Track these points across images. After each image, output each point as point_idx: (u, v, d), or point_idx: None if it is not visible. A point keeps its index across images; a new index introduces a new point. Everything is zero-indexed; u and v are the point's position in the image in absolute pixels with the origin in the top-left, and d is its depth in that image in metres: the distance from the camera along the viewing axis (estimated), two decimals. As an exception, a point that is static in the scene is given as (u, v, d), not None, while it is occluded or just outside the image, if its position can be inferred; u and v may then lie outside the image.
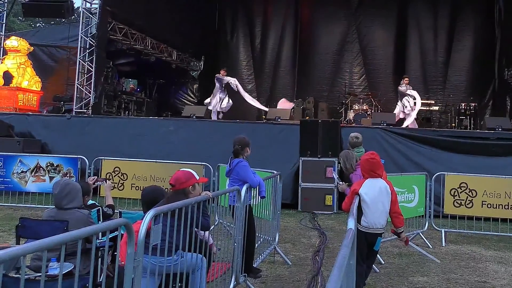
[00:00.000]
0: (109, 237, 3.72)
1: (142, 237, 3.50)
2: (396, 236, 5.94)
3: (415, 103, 17.03)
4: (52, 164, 11.52)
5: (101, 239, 4.57)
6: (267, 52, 23.20)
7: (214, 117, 17.35)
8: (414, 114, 16.95)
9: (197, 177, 4.99)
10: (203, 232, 4.97)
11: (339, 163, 11.36)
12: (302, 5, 23.04)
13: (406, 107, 17.03)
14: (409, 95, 17.05)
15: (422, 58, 21.44)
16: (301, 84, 22.62)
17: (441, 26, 21.40)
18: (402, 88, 17.29)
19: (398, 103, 17.69)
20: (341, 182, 6.61)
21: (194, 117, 15.64)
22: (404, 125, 16.53)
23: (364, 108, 19.42)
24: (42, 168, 11.49)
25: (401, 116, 17.00)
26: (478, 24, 21.02)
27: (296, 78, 22.69)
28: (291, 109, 19.23)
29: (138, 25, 18.04)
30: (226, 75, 17.91)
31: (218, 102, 17.61)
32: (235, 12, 23.65)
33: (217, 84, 17.76)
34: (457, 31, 21.24)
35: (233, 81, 17.78)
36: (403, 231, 5.75)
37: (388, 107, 19.77)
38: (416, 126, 16.80)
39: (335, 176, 7.39)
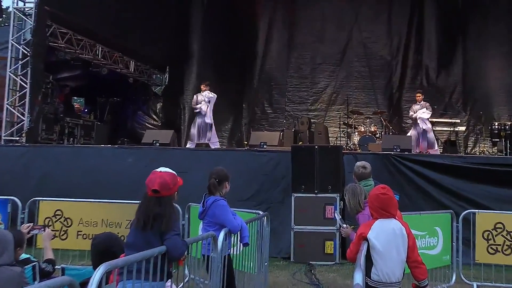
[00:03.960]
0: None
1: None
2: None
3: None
4: (-27, 208, 11.36)
5: (38, 304, 4.50)
6: (250, 63, 23.40)
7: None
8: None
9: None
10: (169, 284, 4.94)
11: (341, 200, 11.43)
12: (293, 6, 23.27)
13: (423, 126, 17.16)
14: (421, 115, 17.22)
15: (441, 67, 21.65)
16: (292, 100, 22.78)
17: (462, 28, 21.63)
18: (415, 107, 17.41)
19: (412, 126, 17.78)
20: (344, 225, 6.60)
21: (157, 144, 15.57)
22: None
23: (372, 130, 19.54)
24: (-40, 213, 11.31)
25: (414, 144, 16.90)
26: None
27: (286, 93, 22.84)
28: (280, 132, 19.30)
29: (85, 29, 17.98)
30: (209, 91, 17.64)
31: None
32: (210, 14, 23.65)
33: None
34: (486, 33, 21.37)
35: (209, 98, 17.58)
36: (427, 284, 5.66)
37: (402, 128, 19.92)
38: (438, 151, 16.90)
39: (337, 216, 7.36)
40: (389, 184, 6.60)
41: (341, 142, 20.35)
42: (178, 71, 23.55)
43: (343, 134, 20.70)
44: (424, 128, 16.96)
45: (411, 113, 17.50)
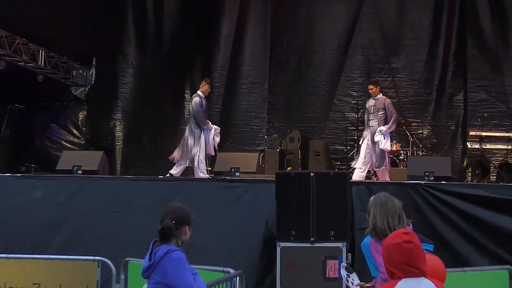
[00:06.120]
0: None
1: None
2: None
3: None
4: None
5: None
6: (215, 54, 23.36)
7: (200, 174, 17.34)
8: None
9: None
10: None
11: (349, 252, 11.48)
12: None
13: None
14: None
15: (493, 59, 21.56)
16: (276, 107, 22.85)
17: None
18: (369, 102, 17.78)
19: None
20: (356, 282, 6.64)
21: (80, 172, 15.58)
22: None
23: (394, 149, 19.59)
24: None
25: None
26: None
27: (268, 98, 22.86)
28: (260, 153, 19.31)
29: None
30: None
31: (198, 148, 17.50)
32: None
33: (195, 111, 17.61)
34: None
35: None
36: None
37: (440, 147, 20.04)
38: (386, 173, 17.04)
39: (343, 273, 7.37)
40: (418, 227, 6.66)
41: (349, 167, 20.42)
42: (109, 64, 23.42)
43: (352, 155, 20.74)
44: (375, 138, 17.20)
45: (365, 117, 17.92)
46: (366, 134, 17.38)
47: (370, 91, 17.69)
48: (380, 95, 17.47)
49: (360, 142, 17.74)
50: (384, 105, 17.25)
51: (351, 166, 17.54)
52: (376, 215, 6.69)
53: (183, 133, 17.84)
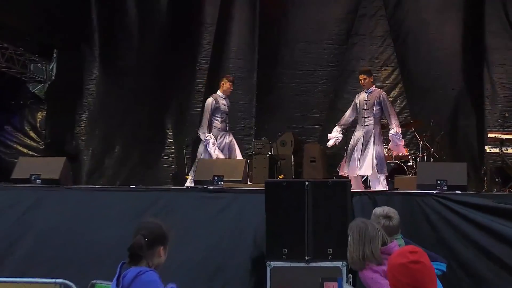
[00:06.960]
0: None
1: None
2: None
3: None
4: None
5: None
6: (198, 46, 23.26)
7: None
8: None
9: None
10: None
11: (350, 273, 11.48)
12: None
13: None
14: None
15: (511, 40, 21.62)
16: (266, 106, 22.85)
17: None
18: (361, 96, 17.72)
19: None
20: None
21: (38, 181, 15.54)
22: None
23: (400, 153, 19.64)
24: None
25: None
26: None
27: (256, 95, 22.84)
28: (247, 159, 19.31)
29: None
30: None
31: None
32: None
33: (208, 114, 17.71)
34: None
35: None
36: None
37: (453, 150, 20.05)
38: (383, 182, 17.02)
39: None
40: (429, 243, 6.65)
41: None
42: (73, 57, 23.37)
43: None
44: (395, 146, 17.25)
45: (349, 112, 17.91)
46: (360, 134, 17.26)
47: (361, 82, 17.52)
48: (373, 87, 17.42)
49: (351, 144, 17.59)
50: (380, 99, 17.18)
51: (347, 174, 17.34)
52: (353, 244, 6.70)
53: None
